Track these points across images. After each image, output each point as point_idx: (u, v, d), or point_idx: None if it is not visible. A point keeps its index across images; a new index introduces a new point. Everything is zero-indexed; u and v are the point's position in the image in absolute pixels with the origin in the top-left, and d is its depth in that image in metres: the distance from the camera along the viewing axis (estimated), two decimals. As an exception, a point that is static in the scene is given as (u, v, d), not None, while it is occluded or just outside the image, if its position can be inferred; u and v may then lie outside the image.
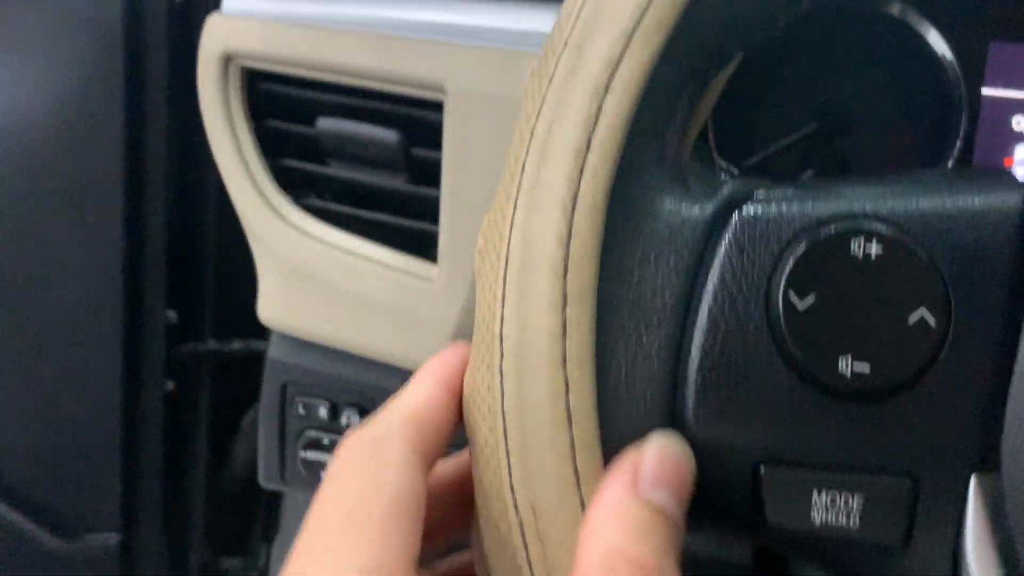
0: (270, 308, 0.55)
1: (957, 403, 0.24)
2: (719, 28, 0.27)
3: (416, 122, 0.49)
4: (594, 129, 0.24)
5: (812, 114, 0.47)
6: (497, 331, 0.25)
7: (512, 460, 0.24)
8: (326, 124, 0.51)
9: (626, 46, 0.24)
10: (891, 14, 0.44)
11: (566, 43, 0.25)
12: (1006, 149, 0.45)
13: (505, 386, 0.24)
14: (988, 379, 0.23)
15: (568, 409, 0.24)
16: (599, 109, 0.24)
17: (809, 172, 0.47)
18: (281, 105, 0.52)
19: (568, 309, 0.24)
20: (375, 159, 0.50)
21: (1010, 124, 0.45)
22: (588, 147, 0.24)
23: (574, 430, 0.24)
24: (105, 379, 0.74)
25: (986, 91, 0.44)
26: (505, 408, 0.24)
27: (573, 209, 0.24)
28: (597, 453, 0.24)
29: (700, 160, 0.32)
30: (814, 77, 0.47)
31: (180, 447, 0.76)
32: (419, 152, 0.49)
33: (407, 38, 0.47)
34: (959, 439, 0.24)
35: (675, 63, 0.25)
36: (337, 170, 0.52)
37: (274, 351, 0.55)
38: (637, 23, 0.24)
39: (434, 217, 0.50)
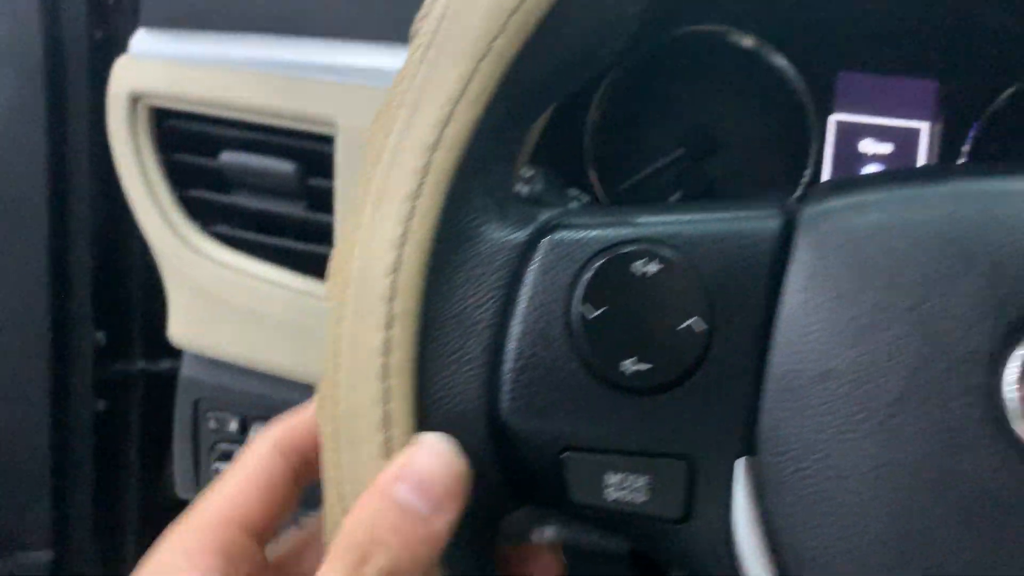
0: (181, 330, 0.58)
1: (723, 396, 0.28)
2: (542, 79, 0.31)
3: (311, 154, 0.52)
4: (423, 179, 0.28)
5: (680, 140, 0.51)
6: (333, 348, 0.29)
7: (338, 458, 0.28)
8: (229, 157, 0.54)
9: (452, 111, 0.28)
10: (747, 47, 0.48)
11: (403, 103, 0.29)
12: (855, 169, 0.49)
13: (339, 395, 0.29)
14: (748, 377, 0.28)
15: (386, 414, 0.28)
16: (428, 163, 0.28)
17: (678, 194, 0.51)
18: (187, 140, 0.56)
19: (392, 329, 0.28)
20: (275, 188, 0.54)
21: (857, 147, 0.49)
22: (418, 192, 0.28)
23: (392, 431, 0.28)
24: (34, 400, 0.74)
25: (835, 117, 0.48)
26: (336, 415, 0.29)
27: (402, 245, 0.28)
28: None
29: (550, 185, 0.36)
30: (682, 105, 0.51)
31: (112, 464, 0.77)
32: (315, 181, 0.53)
33: (300, 78, 0.51)
34: (726, 427, 0.28)
35: (500, 114, 0.29)
36: (241, 199, 0.55)
37: (186, 369, 0.58)
38: (463, 91, 0.28)
39: (331, 241, 0.53)
